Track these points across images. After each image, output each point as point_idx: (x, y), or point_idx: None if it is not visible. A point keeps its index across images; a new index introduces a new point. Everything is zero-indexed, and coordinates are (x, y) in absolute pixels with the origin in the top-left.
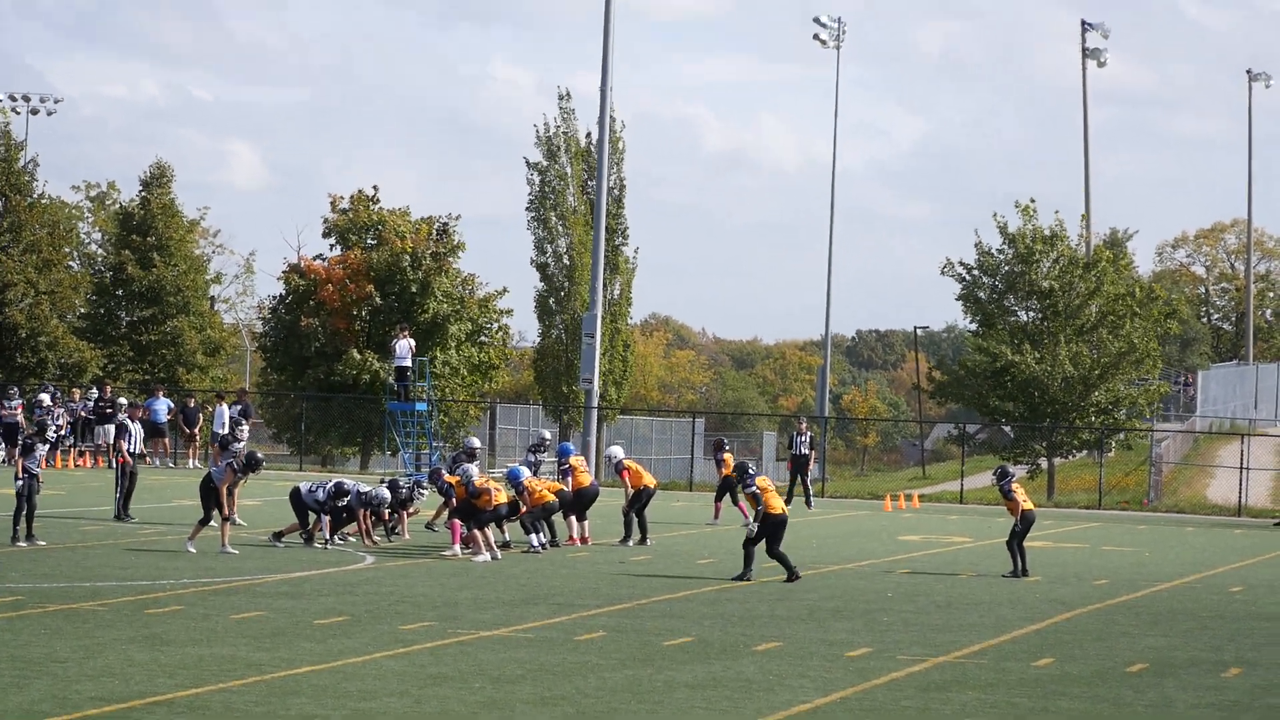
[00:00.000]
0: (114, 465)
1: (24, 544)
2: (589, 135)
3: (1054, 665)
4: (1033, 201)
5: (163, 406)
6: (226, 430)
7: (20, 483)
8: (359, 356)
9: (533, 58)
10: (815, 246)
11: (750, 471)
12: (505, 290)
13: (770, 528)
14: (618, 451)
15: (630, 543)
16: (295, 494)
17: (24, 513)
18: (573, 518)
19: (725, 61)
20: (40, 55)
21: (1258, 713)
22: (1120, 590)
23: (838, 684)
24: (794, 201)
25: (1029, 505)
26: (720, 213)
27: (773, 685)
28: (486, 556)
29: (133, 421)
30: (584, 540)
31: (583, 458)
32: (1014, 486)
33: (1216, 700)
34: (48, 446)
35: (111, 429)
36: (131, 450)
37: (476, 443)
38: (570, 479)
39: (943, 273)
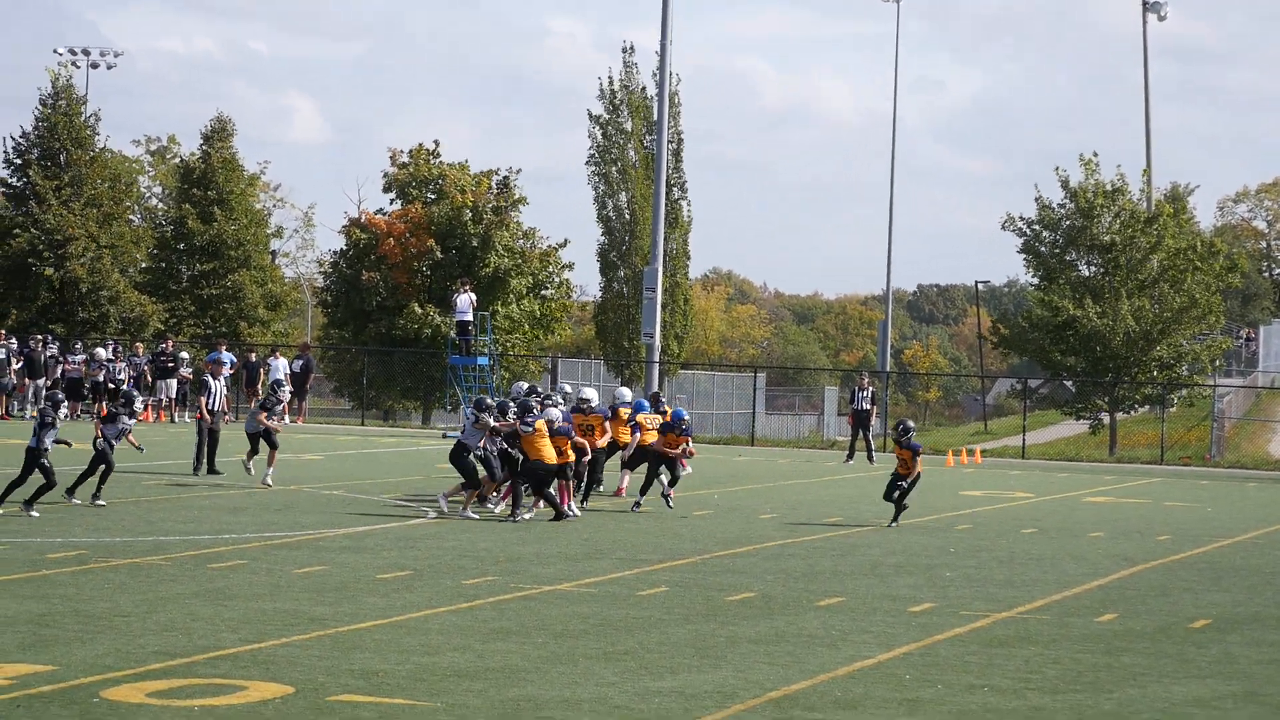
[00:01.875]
0: (195, 421)
1: (77, 501)
2: (655, 88)
3: (1117, 621)
4: (1095, 155)
5: (225, 361)
6: (269, 390)
7: (101, 443)
8: (420, 311)
9: (588, 10)
10: (875, 201)
11: (532, 412)
12: (566, 242)
13: (535, 475)
14: (625, 393)
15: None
16: (459, 450)
17: (99, 473)
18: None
19: (782, 16)
20: (95, 8)
21: None
22: (1183, 546)
23: (900, 639)
24: (852, 156)
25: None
26: (779, 167)
27: (836, 640)
28: (527, 516)
29: (215, 379)
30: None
31: (657, 416)
32: None
33: None
34: (134, 421)
35: (173, 383)
36: (212, 408)
37: (568, 387)
38: (638, 434)
39: (1004, 227)
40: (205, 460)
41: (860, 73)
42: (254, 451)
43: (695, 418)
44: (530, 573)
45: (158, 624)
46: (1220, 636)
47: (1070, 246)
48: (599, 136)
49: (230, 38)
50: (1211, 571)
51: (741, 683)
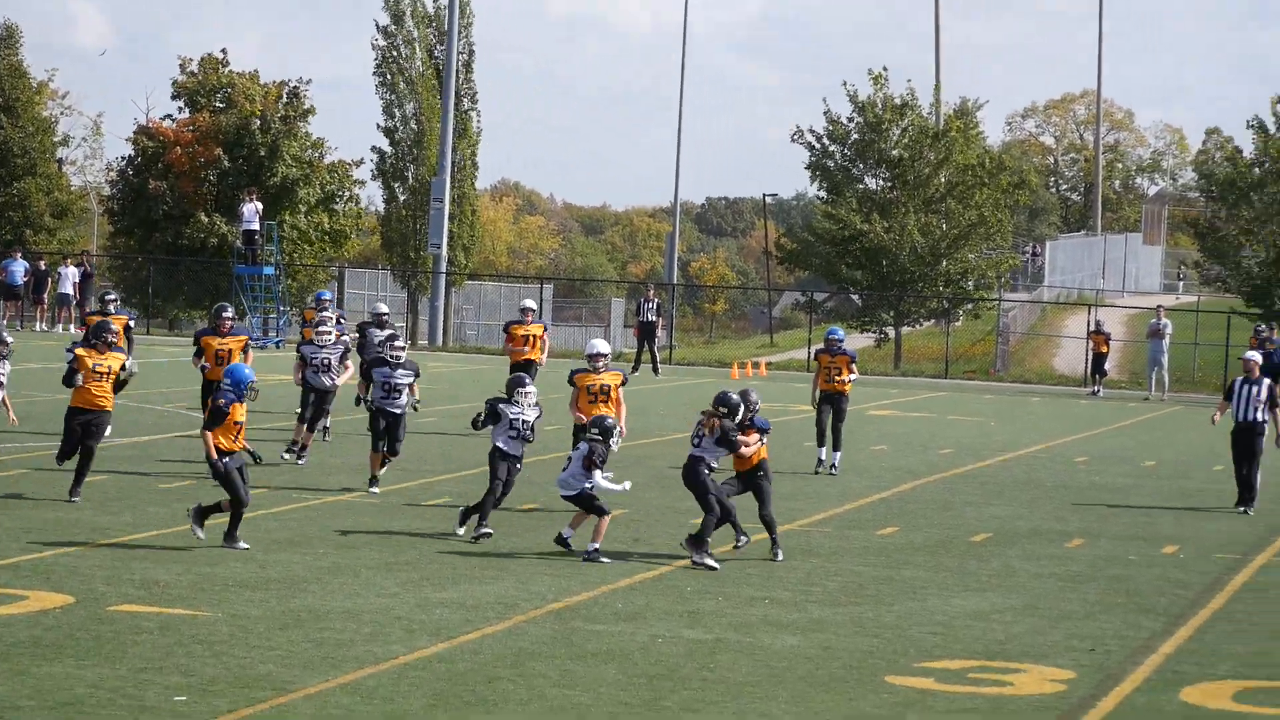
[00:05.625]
0: None
1: None
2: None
3: (898, 534)
4: (884, 70)
5: (19, 268)
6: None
7: None
8: (207, 220)
9: None
10: (665, 112)
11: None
12: (361, 161)
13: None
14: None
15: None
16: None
17: None
18: None
19: None
20: None
21: (1100, 583)
22: (965, 460)
23: (683, 551)
24: (643, 67)
25: None
26: (569, 78)
27: (617, 552)
28: None
29: None
30: None
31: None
32: None
33: (1059, 570)
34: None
35: None
36: None
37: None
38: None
39: (793, 140)
40: None
41: None
42: None
43: (482, 329)
44: (313, 483)
45: None
46: (1000, 550)
47: (858, 160)
48: (383, 47)
49: None
50: (993, 485)
51: (523, 594)
